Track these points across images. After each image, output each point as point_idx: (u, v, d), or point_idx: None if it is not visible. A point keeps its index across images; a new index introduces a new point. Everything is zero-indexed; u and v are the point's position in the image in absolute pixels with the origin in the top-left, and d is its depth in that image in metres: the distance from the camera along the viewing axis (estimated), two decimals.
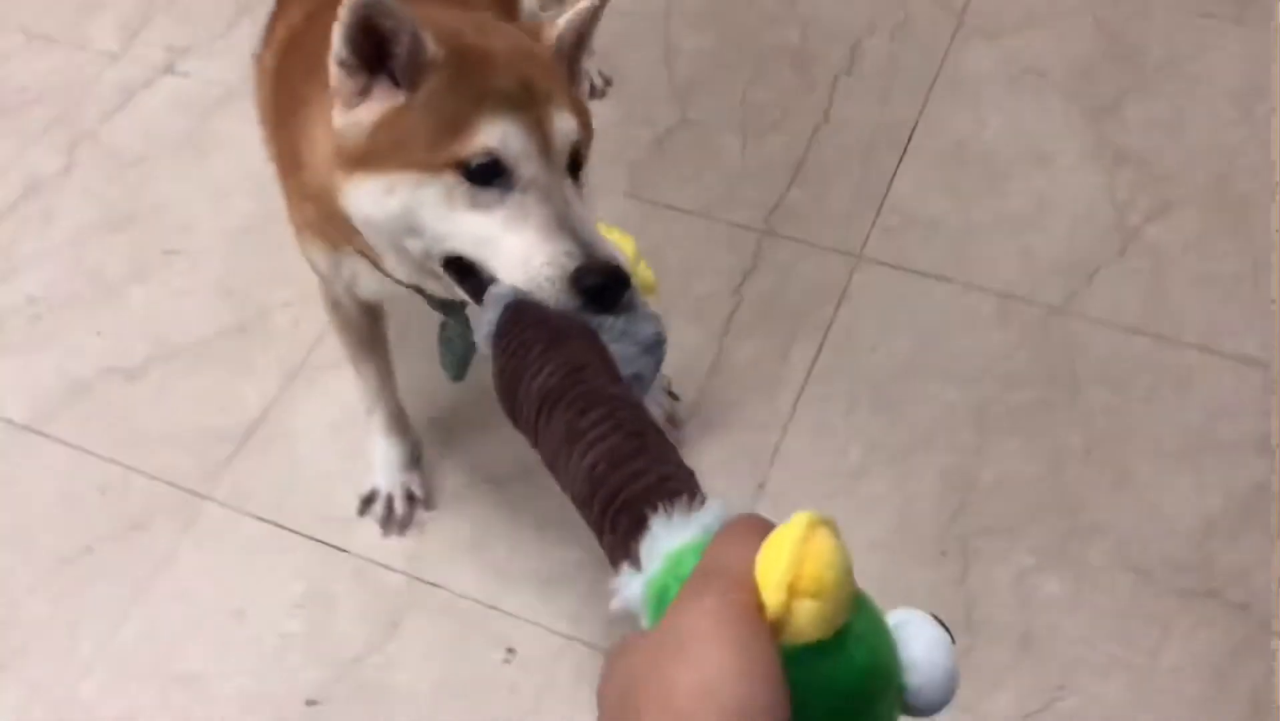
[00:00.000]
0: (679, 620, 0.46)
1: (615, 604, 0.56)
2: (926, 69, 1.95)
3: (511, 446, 1.08)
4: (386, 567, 1.48)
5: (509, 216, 0.88)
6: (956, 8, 2.04)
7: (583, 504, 0.67)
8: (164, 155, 1.96)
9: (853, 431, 1.56)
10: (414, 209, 0.90)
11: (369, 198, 0.92)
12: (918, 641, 0.53)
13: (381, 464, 1.54)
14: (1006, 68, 1.95)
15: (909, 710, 0.52)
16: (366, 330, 1.42)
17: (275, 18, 1.31)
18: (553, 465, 0.71)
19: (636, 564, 0.56)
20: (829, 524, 0.49)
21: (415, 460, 1.56)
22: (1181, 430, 1.53)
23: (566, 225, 0.87)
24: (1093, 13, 2.01)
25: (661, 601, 0.53)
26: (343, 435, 1.61)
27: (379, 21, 0.88)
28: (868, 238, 1.74)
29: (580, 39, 1.02)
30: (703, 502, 0.59)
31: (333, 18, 0.91)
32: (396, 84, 0.91)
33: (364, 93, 0.92)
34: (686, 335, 1.65)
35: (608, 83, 1.97)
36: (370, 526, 1.52)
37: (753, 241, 1.76)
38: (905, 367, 1.62)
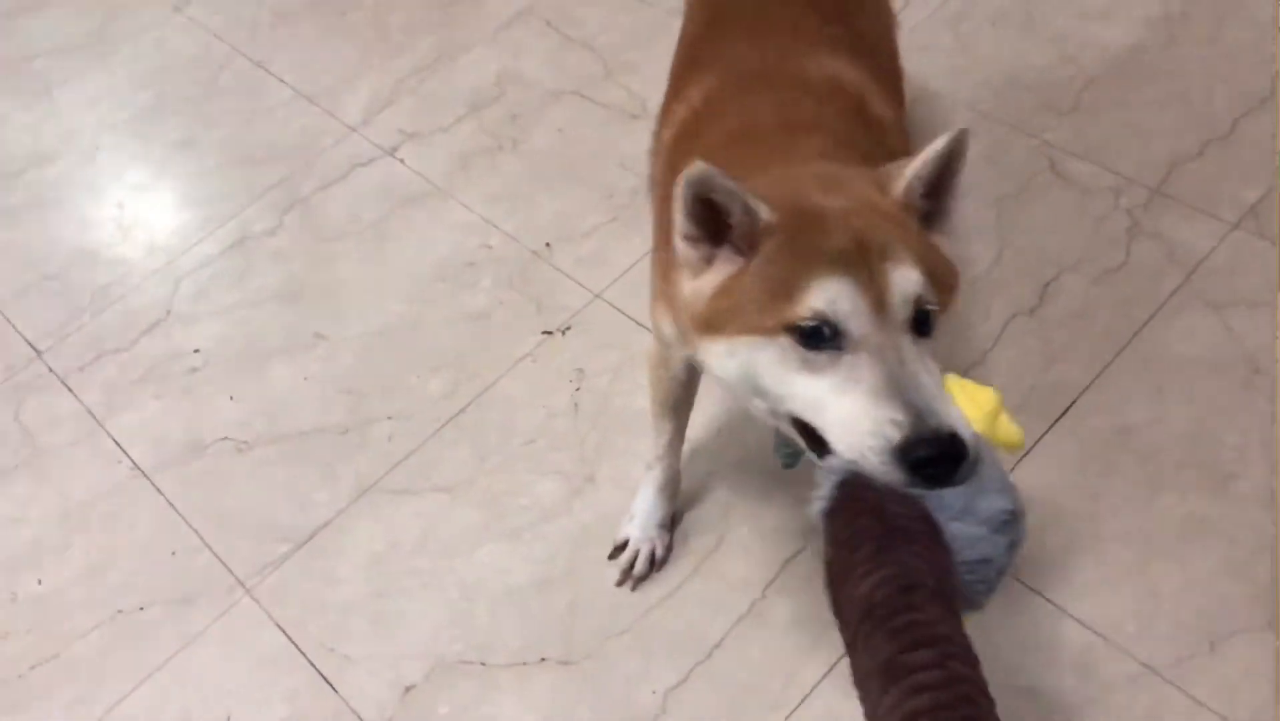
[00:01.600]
0: None
1: None
2: (1123, 329, 1.69)
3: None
4: (359, 719, 1.51)
5: (840, 380, 0.87)
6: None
7: None
8: (354, 237, 2.08)
9: None
10: (752, 371, 0.93)
11: (715, 359, 0.97)
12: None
13: (642, 518, 1.57)
14: None
15: None
16: (678, 393, 1.46)
17: (672, 99, 1.40)
18: (863, 685, 0.70)
19: None
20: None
21: (671, 524, 1.59)
22: None
23: (898, 388, 0.84)
24: None
25: None
26: (379, 570, 1.65)
27: (712, 195, 0.93)
28: None
29: (936, 184, 0.98)
30: None
31: (731, 98, 1.04)
32: (738, 252, 0.95)
33: (709, 260, 0.97)
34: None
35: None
36: (364, 672, 1.54)
37: None
38: None
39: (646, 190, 1.45)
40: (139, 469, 1.81)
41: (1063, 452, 1.60)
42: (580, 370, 1.82)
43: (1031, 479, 1.57)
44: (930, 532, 0.75)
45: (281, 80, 2.41)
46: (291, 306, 2.00)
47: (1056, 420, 1.63)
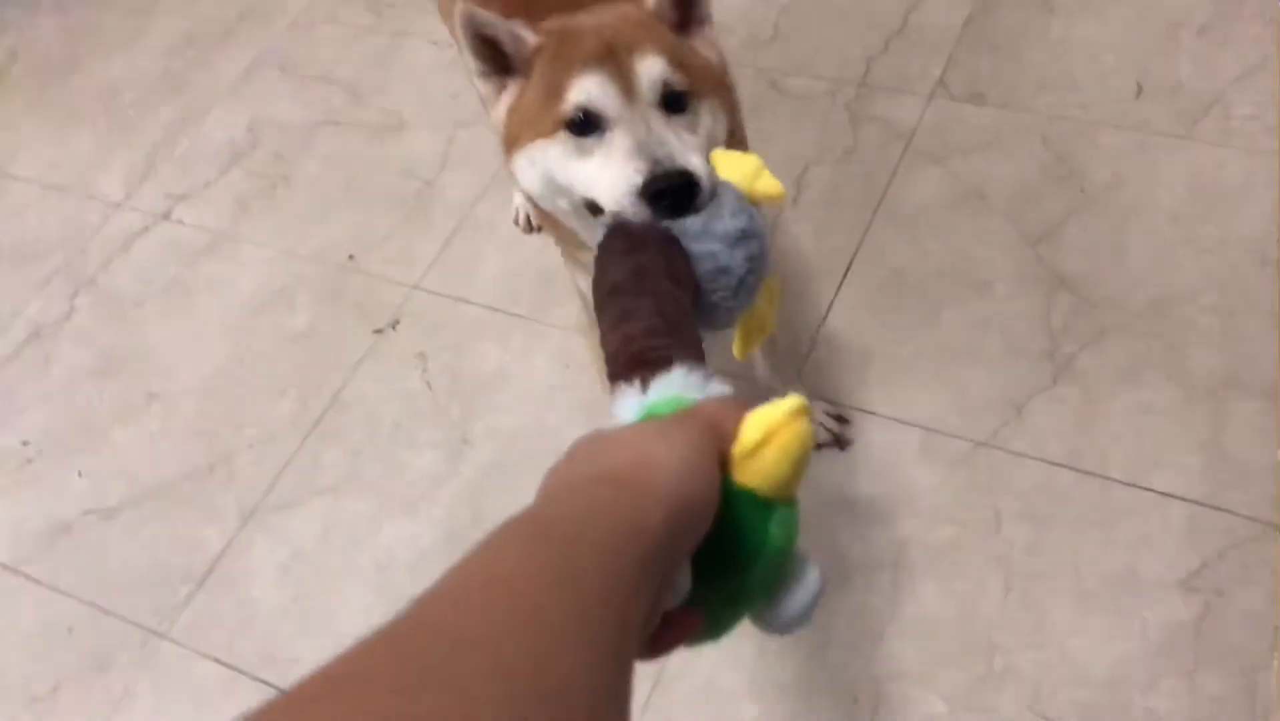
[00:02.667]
0: (662, 425, 0.61)
1: (613, 409, 0.70)
2: (870, 196, 1.99)
3: None
4: None
5: (604, 154, 1.04)
6: (905, 131, 2.08)
7: (611, 358, 0.82)
8: (155, 300, 2.10)
9: None
10: (548, 169, 1.08)
11: (521, 172, 1.12)
12: (804, 570, 0.66)
13: None
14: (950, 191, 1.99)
15: (771, 620, 0.65)
16: None
17: None
18: (604, 337, 0.85)
19: (641, 387, 0.69)
20: (809, 411, 0.62)
21: None
22: (1101, 571, 1.53)
23: (644, 149, 1.01)
24: (1040, 133, 2.04)
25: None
26: (291, 576, 1.70)
27: (483, 30, 1.10)
28: (801, 372, 1.78)
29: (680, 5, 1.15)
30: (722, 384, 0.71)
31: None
32: (521, 75, 1.12)
33: (501, 89, 1.14)
34: None
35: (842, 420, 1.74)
36: (309, 667, 1.59)
37: None
38: (828, 505, 1.65)
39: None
40: (3, 565, 1.77)
41: (854, 304, 1.87)
42: (421, 354, 1.93)
43: (836, 333, 1.83)
44: (667, 243, 0.92)
45: (21, 179, 2.37)
46: (111, 378, 2.00)
47: (841, 281, 1.90)
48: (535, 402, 1.83)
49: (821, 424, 1.70)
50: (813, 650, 1.52)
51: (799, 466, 0.61)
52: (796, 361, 1.79)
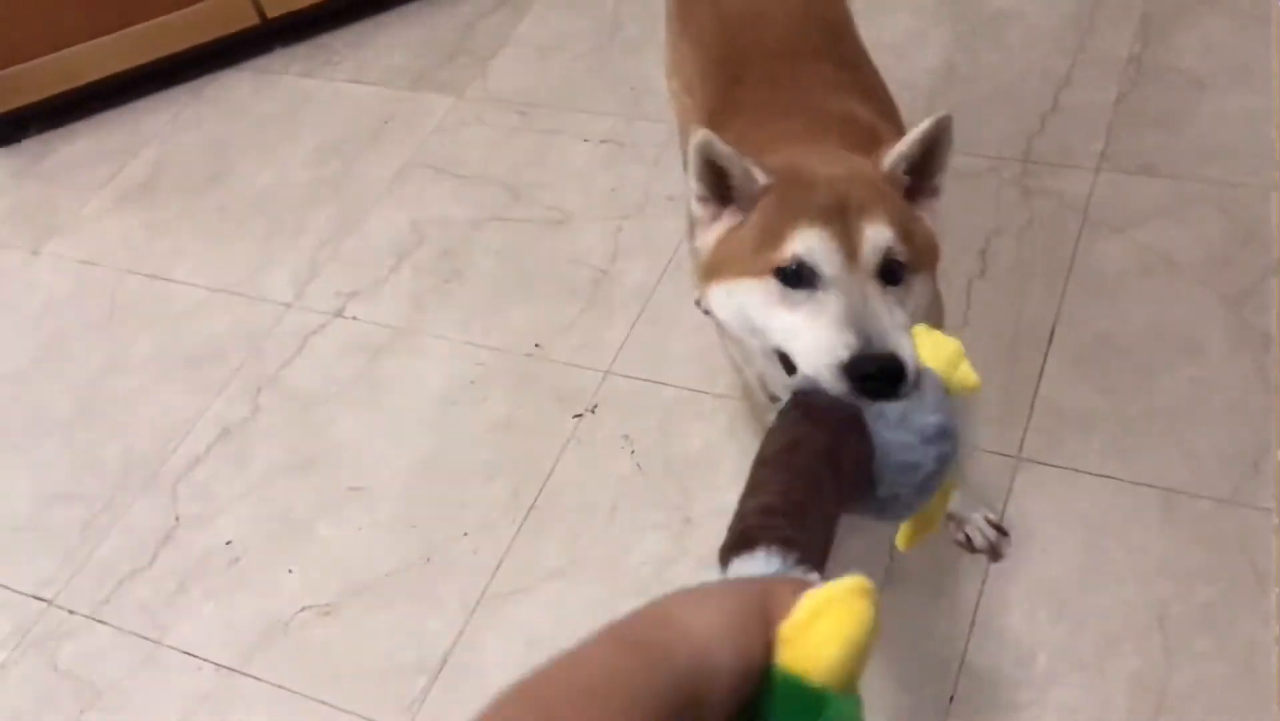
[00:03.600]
0: (702, 588, 0.54)
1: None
2: (1058, 265, 2.02)
3: None
4: None
5: (810, 312, 1.01)
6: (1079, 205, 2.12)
7: (732, 524, 0.77)
8: (340, 396, 2.10)
9: (1037, 638, 1.56)
10: (745, 308, 1.08)
11: (717, 301, 1.12)
12: None
13: None
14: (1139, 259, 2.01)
15: None
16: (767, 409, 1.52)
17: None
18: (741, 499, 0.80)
19: (722, 567, 0.66)
20: (871, 595, 0.55)
21: None
22: None
23: (856, 320, 0.98)
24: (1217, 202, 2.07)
25: None
26: (530, 661, 1.66)
27: (715, 159, 1.10)
28: (1023, 439, 1.78)
29: (921, 164, 1.13)
30: (810, 570, 0.67)
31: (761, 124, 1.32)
32: (741, 209, 1.12)
33: (716, 217, 1.15)
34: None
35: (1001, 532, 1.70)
36: None
37: None
38: (1080, 569, 1.63)
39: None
40: (224, 667, 1.73)
41: (1063, 370, 1.87)
42: (626, 436, 1.93)
43: (1053, 399, 1.83)
44: (849, 423, 0.87)
45: (186, 284, 2.40)
46: (308, 474, 1.99)
47: (1048, 348, 1.91)
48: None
49: (981, 530, 1.66)
50: (1096, 713, 1.48)
51: (854, 650, 0.54)
52: (1017, 432, 1.79)
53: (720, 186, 1.13)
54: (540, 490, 1.88)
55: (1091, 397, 1.83)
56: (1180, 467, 1.71)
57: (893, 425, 0.87)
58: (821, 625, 0.53)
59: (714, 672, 0.49)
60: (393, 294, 2.27)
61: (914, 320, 1.02)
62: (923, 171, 1.14)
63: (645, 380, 2.01)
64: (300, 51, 2.95)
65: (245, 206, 2.56)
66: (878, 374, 0.91)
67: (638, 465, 1.89)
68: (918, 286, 1.08)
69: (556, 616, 1.71)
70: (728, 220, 1.14)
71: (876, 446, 0.86)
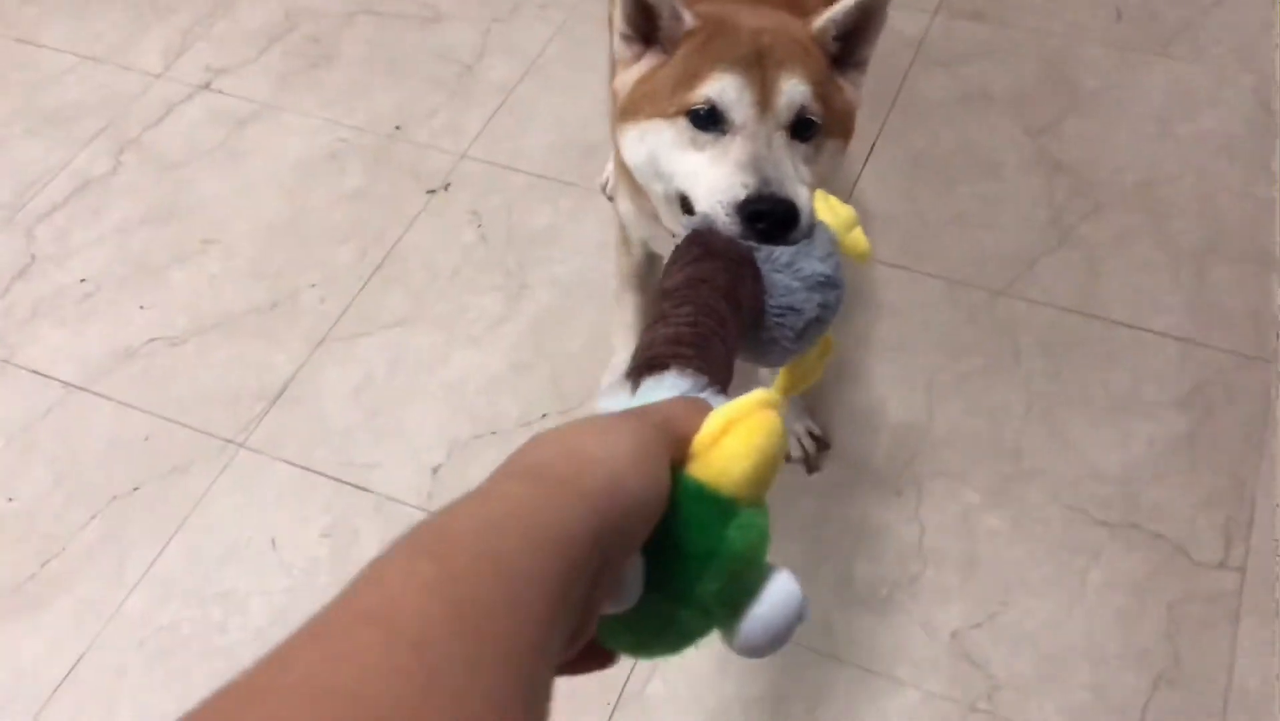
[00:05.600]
0: (605, 417, 0.54)
1: (600, 393, 0.73)
2: (886, 93, 2.19)
3: None
4: (402, 503, 1.66)
5: (716, 153, 1.02)
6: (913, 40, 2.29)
7: (632, 358, 0.81)
8: (202, 160, 2.17)
9: (818, 394, 1.76)
10: (655, 151, 1.08)
11: (629, 145, 1.11)
12: (778, 586, 0.57)
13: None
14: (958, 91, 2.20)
15: (734, 637, 0.56)
16: (639, 269, 1.59)
17: None
18: (647, 329, 0.84)
19: (632, 388, 0.66)
20: (777, 407, 0.56)
21: None
22: (1110, 393, 1.74)
23: (756, 163, 0.99)
24: (1035, 48, 2.27)
25: None
26: (365, 395, 1.80)
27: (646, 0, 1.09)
28: None
29: (849, 34, 1.11)
30: (717, 394, 0.66)
31: None
32: (663, 50, 1.11)
33: (638, 56, 1.13)
34: None
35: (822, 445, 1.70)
36: (389, 470, 1.70)
37: None
38: (863, 342, 1.82)
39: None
40: (71, 385, 1.83)
41: (878, 180, 2.06)
42: (474, 211, 2.05)
43: (863, 203, 2.01)
44: (743, 261, 0.88)
45: (52, 49, 2.42)
46: (166, 225, 2.06)
47: (865, 160, 2.09)
48: (588, 256, 1.97)
49: (799, 440, 1.67)
50: (859, 456, 1.69)
51: (763, 460, 0.55)
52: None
53: (646, 26, 1.12)
54: (388, 253, 1.99)
55: (897, 203, 2.01)
56: (965, 264, 1.92)
57: (780, 268, 0.89)
58: (731, 439, 0.54)
59: (628, 499, 0.48)
60: (260, 73, 2.33)
61: (819, 183, 1.05)
62: (852, 41, 1.13)
63: (499, 165, 2.13)
64: None
65: None
66: (770, 214, 0.93)
67: (483, 236, 2.01)
68: (828, 149, 1.08)
69: (394, 358, 1.84)
70: (650, 61, 1.12)
71: (764, 288, 0.89)
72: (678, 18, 1.09)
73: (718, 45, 1.07)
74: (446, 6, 2.45)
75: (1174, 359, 1.77)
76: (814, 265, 0.89)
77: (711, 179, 1.01)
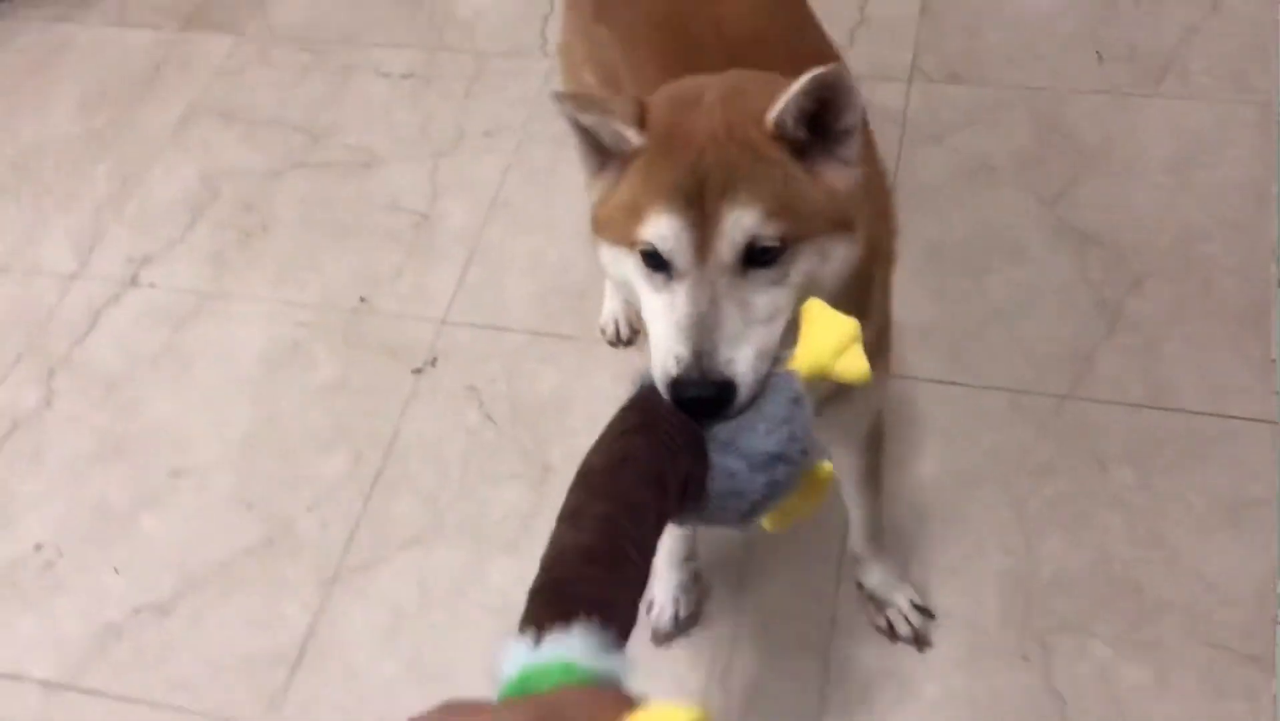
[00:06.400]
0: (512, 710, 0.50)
1: (496, 658, 0.65)
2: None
3: None
4: None
5: (664, 304, 0.94)
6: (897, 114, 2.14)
7: (542, 567, 0.75)
8: (146, 372, 1.92)
9: (906, 549, 1.59)
10: (625, 278, 1.00)
11: (604, 261, 1.03)
12: None
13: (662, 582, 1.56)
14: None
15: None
16: None
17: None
18: (557, 523, 0.78)
19: (534, 642, 0.64)
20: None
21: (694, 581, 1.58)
22: (1210, 495, 1.60)
23: (693, 328, 0.91)
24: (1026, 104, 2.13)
25: (521, 690, 0.61)
26: (399, 636, 1.57)
27: (581, 122, 0.99)
28: None
29: (817, 114, 0.96)
30: (618, 639, 0.68)
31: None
32: (623, 163, 1.00)
33: (601, 170, 1.03)
34: None
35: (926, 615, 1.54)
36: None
37: None
38: (940, 477, 1.66)
39: None
40: (52, 684, 1.57)
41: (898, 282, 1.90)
42: (471, 387, 1.83)
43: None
44: (693, 449, 0.83)
45: None
46: (121, 459, 1.81)
47: None
48: (609, 417, 1.77)
49: (904, 616, 1.52)
50: (970, 617, 1.52)
51: None
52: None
53: (598, 145, 1.02)
54: (385, 453, 1.77)
55: (927, 308, 1.86)
56: (1020, 367, 1.77)
57: (721, 447, 0.84)
58: None
59: None
60: (191, 255, 2.08)
61: (805, 292, 0.94)
62: (823, 120, 0.97)
63: (485, 326, 1.92)
64: None
65: (5, 169, 2.28)
66: (701, 399, 0.87)
67: (487, 415, 1.80)
68: (805, 257, 0.95)
69: (421, 584, 1.62)
70: (608, 177, 1.02)
71: (708, 465, 0.84)
72: (621, 138, 0.99)
73: (658, 173, 0.96)
74: (381, 148, 2.22)
75: (1266, 443, 1.65)
76: (758, 442, 0.84)
77: (655, 336, 0.94)
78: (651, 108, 0.99)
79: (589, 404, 1.80)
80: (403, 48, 2.41)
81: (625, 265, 0.99)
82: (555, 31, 2.05)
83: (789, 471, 0.84)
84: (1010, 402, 1.73)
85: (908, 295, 1.85)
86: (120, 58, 2.47)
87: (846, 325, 0.88)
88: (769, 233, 0.93)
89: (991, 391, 1.74)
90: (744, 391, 0.88)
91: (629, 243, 0.96)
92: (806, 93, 0.94)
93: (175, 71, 2.43)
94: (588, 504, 0.78)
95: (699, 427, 0.85)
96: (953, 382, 1.76)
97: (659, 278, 0.95)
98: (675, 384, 0.88)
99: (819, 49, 1.40)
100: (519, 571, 1.61)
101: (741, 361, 0.89)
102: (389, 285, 1.99)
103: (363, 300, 1.97)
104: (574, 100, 1.01)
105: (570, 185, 1.83)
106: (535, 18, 2.41)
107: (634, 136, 0.98)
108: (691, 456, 0.83)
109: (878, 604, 1.53)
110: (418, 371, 1.86)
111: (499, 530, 1.67)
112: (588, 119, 0.99)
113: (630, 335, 1.84)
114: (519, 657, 0.62)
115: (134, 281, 2.05)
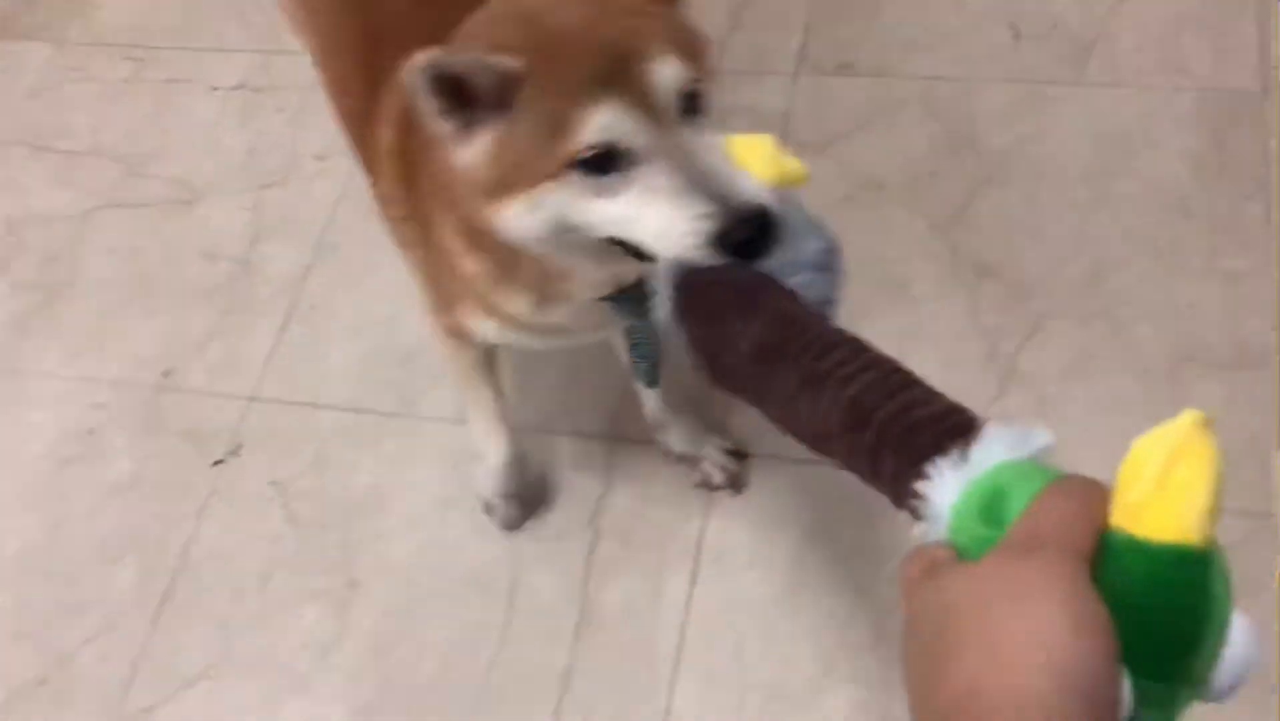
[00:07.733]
0: (1008, 569, 0.50)
1: (923, 503, 0.61)
2: None
3: None
4: None
5: (639, 194, 0.89)
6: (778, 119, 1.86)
7: (845, 431, 0.68)
8: None
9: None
10: (558, 215, 0.92)
11: (517, 219, 0.94)
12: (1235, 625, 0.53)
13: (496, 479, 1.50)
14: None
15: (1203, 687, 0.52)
16: (487, 355, 1.38)
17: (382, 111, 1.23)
18: (785, 414, 0.73)
19: (929, 478, 0.60)
20: (1210, 425, 0.50)
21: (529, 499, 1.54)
22: None
23: (697, 184, 0.87)
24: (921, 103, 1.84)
25: (993, 504, 0.56)
26: None
27: (448, 72, 0.89)
28: (703, 404, 1.56)
29: None
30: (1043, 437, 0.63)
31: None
32: (495, 109, 0.91)
33: (469, 128, 0.93)
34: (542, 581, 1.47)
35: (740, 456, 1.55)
36: None
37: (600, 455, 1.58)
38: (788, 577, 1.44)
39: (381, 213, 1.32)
40: None
41: None
42: (275, 482, 1.62)
43: None
44: (775, 284, 0.80)
45: None
46: None
47: None
48: (428, 522, 1.56)
49: (720, 465, 1.51)
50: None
51: (1218, 492, 0.51)
52: (698, 398, 1.56)
53: (461, 96, 0.91)
54: (177, 568, 1.57)
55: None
56: None
57: (788, 270, 0.81)
58: (1179, 480, 0.49)
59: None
60: None
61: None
62: None
63: (297, 404, 1.69)
64: None
65: None
66: (753, 234, 0.83)
67: (290, 517, 1.59)
68: (712, 93, 0.94)
69: None
70: (486, 126, 0.92)
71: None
72: (492, 69, 0.89)
73: (563, 73, 0.89)
74: (202, 180, 1.97)
75: None
76: (809, 244, 0.83)
77: (657, 223, 0.88)
78: (495, 35, 0.93)
79: (406, 500, 1.58)
80: (235, 53, 2.14)
81: (557, 198, 0.91)
82: None
83: (838, 261, 0.84)
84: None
85: None
86: None
87: (764, 139, 0.89)
88: (694, 75, 0.91)
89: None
90: (776, 210, 0.84)
91: (556, 168, 0.89)
92: None
93: None
94: (851, 364, 0.71)
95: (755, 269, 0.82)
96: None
97: (611, 179, 0.89)
98: (723, 236, 0.83)
99: None
100: (315, 712, 1.44)
101: (752, 185, 0.86)
102: (197, 354, 1.77)
103: (166, 375, 1.75)
104: (437, 59, 0.88)
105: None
106: None
107: (508, 61, 0.89)
108: (780, 289, 0.80)
109: (690, 462, 1.51)
110: (218, 463, 1.65)
111: (294, 661, 1.47)
112: (461, 65, 0.88)
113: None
114: (951, 483, 0.59)
115: None
